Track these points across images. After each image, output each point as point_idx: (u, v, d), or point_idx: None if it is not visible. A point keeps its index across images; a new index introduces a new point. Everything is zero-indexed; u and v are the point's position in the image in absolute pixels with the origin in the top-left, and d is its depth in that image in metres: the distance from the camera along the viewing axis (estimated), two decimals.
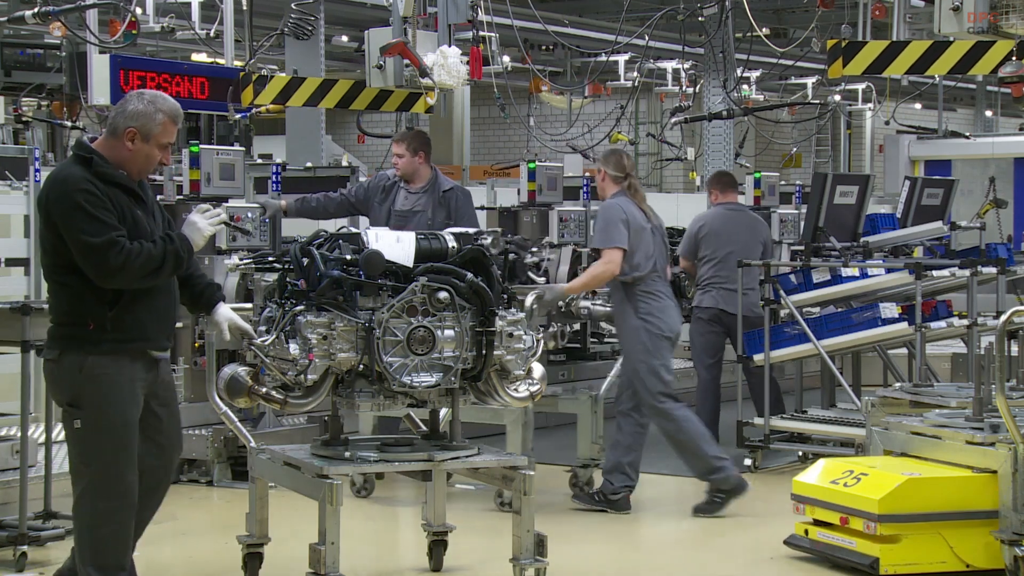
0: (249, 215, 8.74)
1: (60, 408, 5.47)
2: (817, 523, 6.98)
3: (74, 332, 5.36)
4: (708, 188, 10.57)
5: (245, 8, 11.25)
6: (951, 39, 10.33)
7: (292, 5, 10.86)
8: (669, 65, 20.99)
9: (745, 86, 20.08)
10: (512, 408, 7.65)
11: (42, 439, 7.28)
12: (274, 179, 9.88)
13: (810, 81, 22.90)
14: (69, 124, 12.29)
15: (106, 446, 5.37)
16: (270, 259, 6.37)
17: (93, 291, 5.33)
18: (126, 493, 5.42)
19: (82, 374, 5.33)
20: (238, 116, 10.53)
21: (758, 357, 9.59)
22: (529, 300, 6.78)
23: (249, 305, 6.47)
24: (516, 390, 6.26)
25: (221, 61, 11.56)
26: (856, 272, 9.35)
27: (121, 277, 5.30)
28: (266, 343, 5.92)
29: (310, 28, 10.85)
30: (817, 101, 22.43)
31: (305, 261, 6.03)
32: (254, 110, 10.92)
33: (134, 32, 10.41)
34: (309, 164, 13.65)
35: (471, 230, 6.43)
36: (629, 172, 8.33)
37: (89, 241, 5.25)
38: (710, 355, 10.07)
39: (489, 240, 6.26)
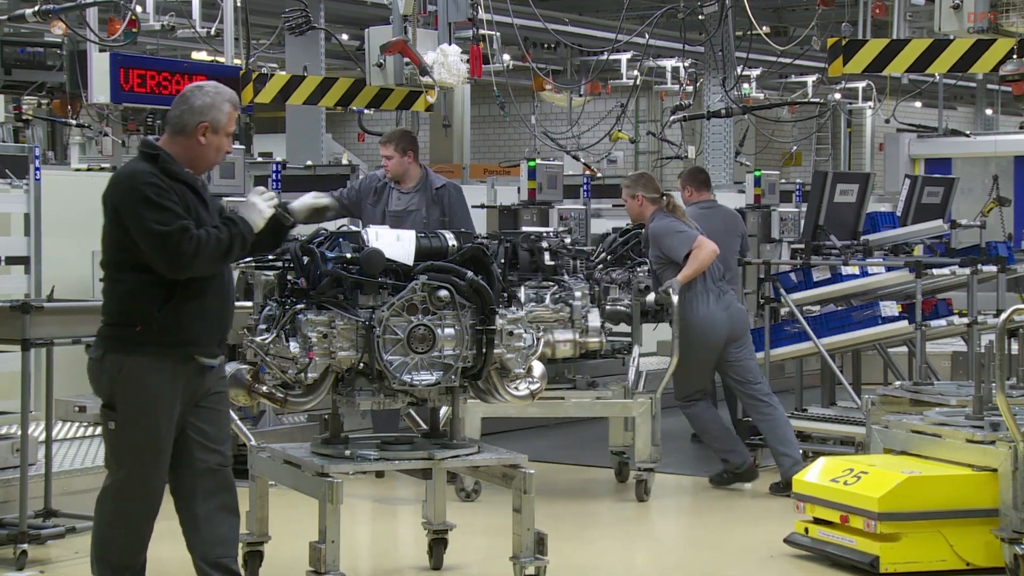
0: None
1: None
2: (817, 521, 6.98)
3: (120, 333, 5.30)
4: (682, 186, 10.38)
5: (239, 5, 11.23)
6: (951, 37, 10.33)
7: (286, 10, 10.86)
8: (669, 63, 20.99)
9: (745, 84, 20.08)
10: (636, 402, 8.51)
11: (42, 437, 7.28)
12: (274, 177, 9.88)
13: (810, 80, 22.89)
14: (73, 123, 12.28)
15: (135, 450, 5.33)
16: (270, 257, 6.37)
17: (145, 290, 5.25)
18: (147, 498, 5.38)
19: (121, 375, 5.28)
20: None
21: (758, 355, 9.58)
22: (675, 299, 8.03)
23: (249, 304, 6.47)
24: (516, 388, 6.27)
25: (221, 59, 11.55)
26: (856, 270, 9.35)
27: (195, 264, 5.23)
28: (266, 341, 5.92)
29: (305, 22, 10.83)
30: (817, 100, 22.42)
31: (306, 259, 6.04)
32: (253, 108, 10.93)
33: (134, 30, 10.41)
34: (309, 162, 13.65)
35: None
36: (663, 191, 8.75)
37: (162, 230, 5.17)
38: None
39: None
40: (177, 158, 5.37)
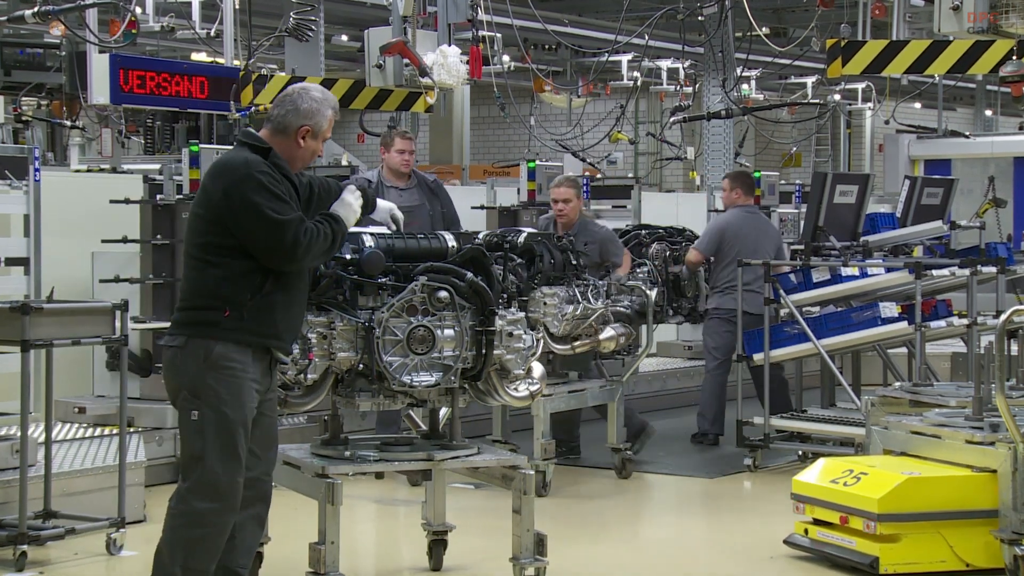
0: None
1: (171, 395, 5.32)
2: (817, 522, 6.98)
3: (206, 317, 5.20)
4: (730, 186, 10.59)
5: (238, 7, 11.23)
6: (951, 38, 10.33)
7: (292, 13, 10.84)
8: (668, 64, 21.00)
9: (745, 85, 20.08)
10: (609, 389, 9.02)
11: (42, 439, 7.28)
12: None
13: (810, 80, 22.90)
14: (69, 123, 12.28)
15: (218, 442, 5.18)
16: None
17: (239, 277, 5.19)
18: (229, 495, 5.23)
19: (207, 362, 5.17)
20: (239, 115, 10.53)
21: (758, 356, 9.59)
22: None
23: None
24: (516, 389, 6.27)
25: (221, 61, 11.55)
26: (856, 271, 9.35)
27: (306, 255, 5.22)
28: None
29: (311, 30, 10.83)
30: (817, 101, 22.43)
31: None
32: (252, 108, 10.91)
33: (134, 31, 10.40)
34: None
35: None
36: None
37: (280, 219, 5.15)
38: (723, 354, 10.27)
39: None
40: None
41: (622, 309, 10.56)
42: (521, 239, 7.68)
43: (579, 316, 8.23)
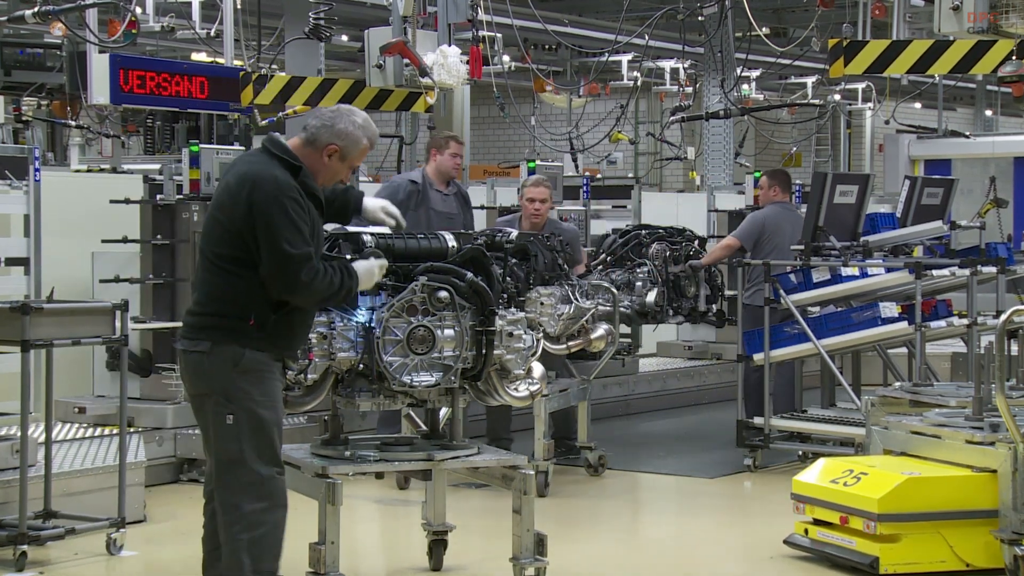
0: None
1: (193, 401, 5.31)
2: (817, 522, 6.98)
3: (233, 325, 5.21)
4: (768, 184, 10.76)
5: (239, 7, 11.22)
6: (951, 39, 10.32)
7: (311, 13, 10.82)
8: (668, 64, 21.00)
9: (745, 85, 20.07)
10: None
11: (42, 439, 7.28)
12: None
13: (810, 81, 22.89)
14: (74, 124, 12.27)
15: (256, 443, 5.22)
16: None
17: (263, 290, 5.23)
18: (274, 492, 5.27)
19: (238, 368, 5.20)
20: (266, 122, 10.54)
21: (758, 356, 9.59)
22: None
23: None
24: (516, 389, 6.27)
25: (221, 61, 11.54)
26: (856, 271, 9.34)
27: (300, 293, 5.25)
28: None
29: (330, 30, 10.82)
30: (817, 101, 22.43)
31: None
32: (283, 112, 10.93)
33: (134, 32, 10.39)
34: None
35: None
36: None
37: (288, 251, 5.17)
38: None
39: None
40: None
41: (623, 309, 10.58)
42: (512, 237, 7.62)
43: (572, 316, 8.24)
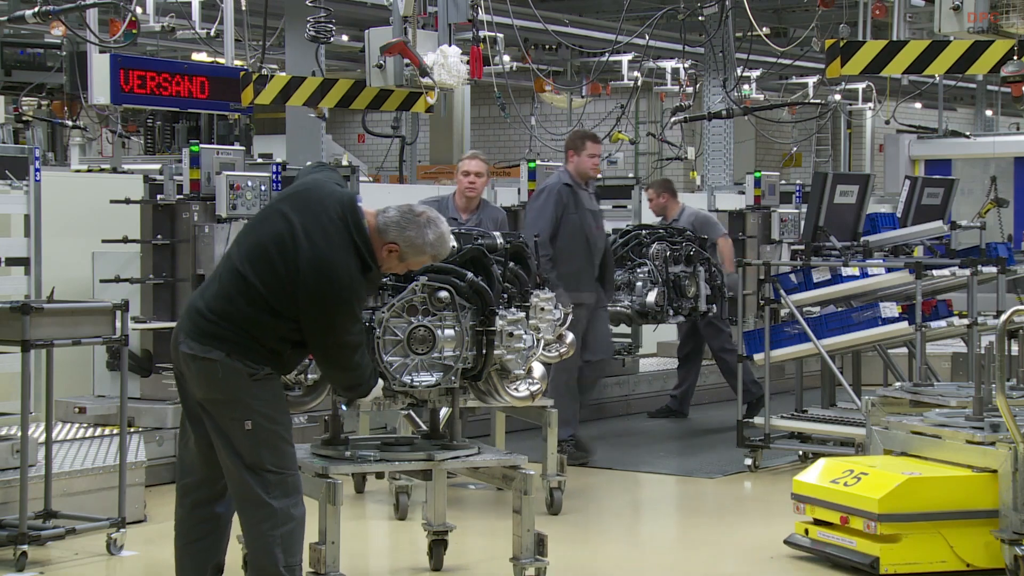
0: None
1: (198, 404, 5.33)
2: (817, 522, 6.98)
3: (248, 346, 5.24)
4: (656, 195, 11.60)
5: (243, 8, 11.23)
6: (951, 38, 10.32)
7: (309, 7, 10.82)
8: (669, 64, 21.01)
9: (745, 85, 20.08)
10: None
11: (42, 439, 7.28)
12: (274, 179, 9.87)
13: (811, 81, 22.90)
14: (70, 123, 12.28)
15: (274, 445, 5.28)
16: None
17: (289, 333, 5.29)
18: (298, 488, 5.36)
19: (252, 377, 5.24)
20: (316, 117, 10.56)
21: (758, 357, 9.59)
22: None
23: None
24: (516, 389, 6.26)
25: (221, 60, 11.55)
26: (856, 271, 9.34)
27: (338, 371, 5.43)
28: None
29: (330, 32, 10.82)
30: (817, 101, 22.43)
31: None
32: (319, 111, 10.95)
33: (134, 31, 10.40)
34: (309, 163, 13.61)
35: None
36: None
37: (346, 339, 5.29)
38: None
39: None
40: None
41: (622, 309, 10.59)
42: (500, 240, 7.51)
43: (561, 321, 8.08)
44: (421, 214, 5.42)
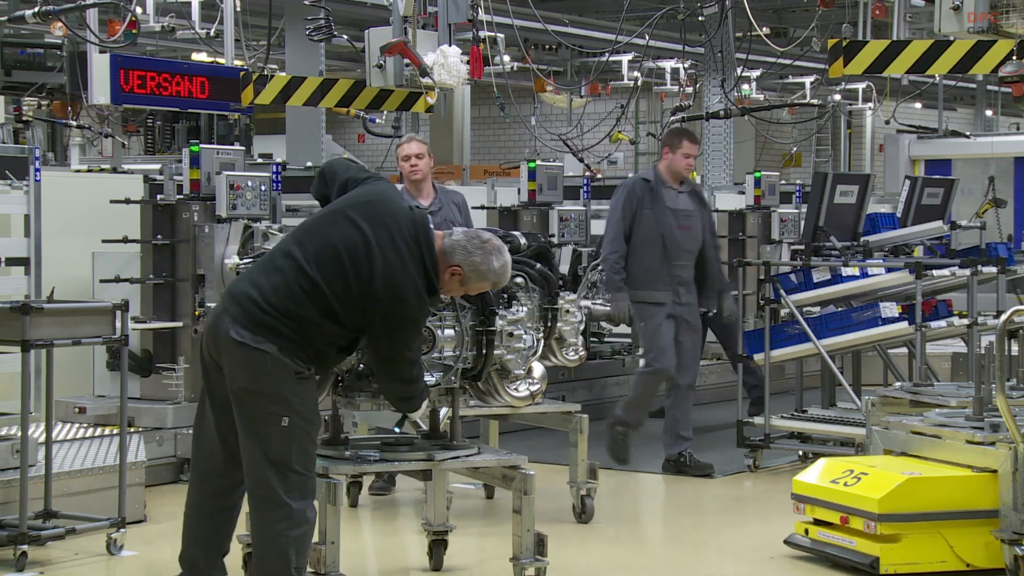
0: None
1: (236, 394, 5.29)
2: (817, 522, 6.98)
3: (299, 342, 5.25)
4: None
5: (238, 8, 11.22)
6: (951, 39, 10.32)
7: (307, 7, 10.82)
8: (669, 64, 21.00)
9: (745, 85, 20.07)
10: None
11: (42, 439, 7.28)
12: (274, 179, 9.89)
13: (808, 81, 22.87)
14: (73, 124, 12.29)
15: (304, 446, 5.31)
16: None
17: (337, 339, 5.38)
18: (314, 492, 5.42)
19: (297, 375, 5.25)
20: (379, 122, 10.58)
21: (758, 356, 9.59)
22: None
23: None
24: (516, 389, 6.27)
25: (221, 60, 11.55)
26: (856, 271, 9.35)
27: (397, 383, 5.53)
28: None
29: (330, 31, 10.82)
30: (816, 101, 22.43)
31: None
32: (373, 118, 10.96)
33: (134, 31, 10.39)
34: (310, 163, 13.64)
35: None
36: None
37: (408, 355, 5.40)
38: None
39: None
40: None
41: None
42: (523, 240, 7.53)
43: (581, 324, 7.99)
44: (488, 241, 5.50)
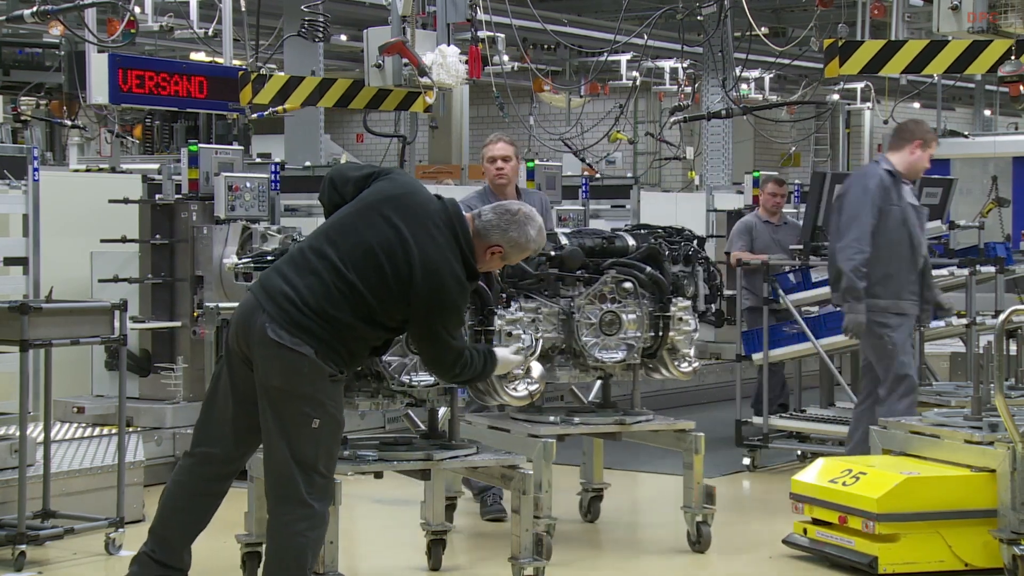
0: None
1: (267, 392, 5.25)
2: (816, 522, 6.98)
3: (334, 344, 5.23)
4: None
5: (243, 8, 11.22)
6: (949, 38, 10.32)
7: (303, 7, 10.81)
8: (668, 64, 21.01)
9: (744, 85, 20.07)
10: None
11: (41, 438, 7.28)
12: (273, 178, 9.88)
13: (803, 81, 22.89)
14: (69, 123, 12.27)
15: (330, 448, 5.32)
16: (269, 258, 6.36)
17: (373, 340, 5.39)
18: (333, 495, 5.47)
19: (331, 377, 5.26)
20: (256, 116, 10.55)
21: (757, 356, 9.59)
22: None
23: None
24: (515, 389, 6.26)
25: (220, 60, 11.54)
26: None
27: (446, 373, 5.53)
28: None
29: (322, 30, 10.80)
30: (816, 100, 22.43)
31: None
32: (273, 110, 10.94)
33: (133, 31, 10.38)
34: (308, 163, 13.63)
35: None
36: None
37: (451, 343, 5.38)
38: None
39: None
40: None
41: None
42: (632, 242, 7.04)
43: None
44: (518, 211, 5.48)
